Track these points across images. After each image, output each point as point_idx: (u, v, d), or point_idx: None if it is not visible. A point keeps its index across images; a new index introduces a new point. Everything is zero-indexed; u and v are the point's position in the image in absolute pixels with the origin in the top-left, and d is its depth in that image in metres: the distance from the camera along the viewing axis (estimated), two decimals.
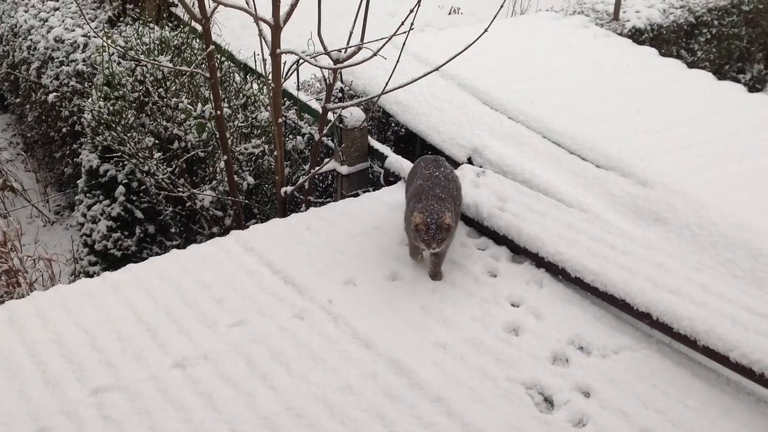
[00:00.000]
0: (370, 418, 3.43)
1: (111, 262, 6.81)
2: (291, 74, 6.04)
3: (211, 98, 6.00)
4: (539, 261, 4.52)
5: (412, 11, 5.01)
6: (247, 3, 5.04)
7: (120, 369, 3.78)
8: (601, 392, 3.54)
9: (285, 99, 6.90)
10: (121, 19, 9.44)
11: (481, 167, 5.76)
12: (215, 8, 5.31)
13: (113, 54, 6.93)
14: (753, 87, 9.91)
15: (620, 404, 3.47)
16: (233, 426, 3.42)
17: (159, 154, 6.86)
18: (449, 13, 11.67)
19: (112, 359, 3.85)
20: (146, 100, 6.96)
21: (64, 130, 8.64)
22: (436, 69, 5.46)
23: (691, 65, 8.47)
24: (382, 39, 5.20)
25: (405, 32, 5.05)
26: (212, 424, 3.44)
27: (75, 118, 8.33)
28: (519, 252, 4.69)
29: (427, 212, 4.09)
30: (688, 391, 3.54)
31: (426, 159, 4.78)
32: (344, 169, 6.50)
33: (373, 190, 5.90)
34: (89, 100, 6.94)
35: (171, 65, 6.52)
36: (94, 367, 3.80)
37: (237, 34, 9.47)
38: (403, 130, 7.24)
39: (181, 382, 3.71)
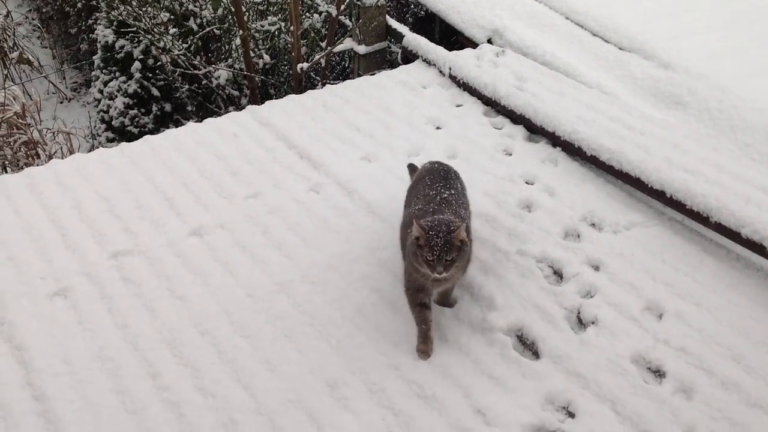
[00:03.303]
0: (385, 287, 3.49)
1: (128, 139, 6.83)
2: None
3: None
4: (555, 140, 4.50)
5: None
6: None
7: (138, 235, 3.86)
8: (610, 266, 3.59)
9: None
10: None
11: (501, 49, 5.67)
12: None
13: None
14: None
15: (629, 277, 3.51)
16: (249, 291, 3.50)
17: (174, 30, 6.77)
18: None
19: (131, 226, 3.92)
20: None
21: (79, 5, 8.52)
22: None
23: None
24: None
25: None
26: (229, 289, 3.52)
27: None
28: (535, 131, 4.67)
29: (434, 222, 2.92)
30: (697, 266, 3.58)
31: (432, 170, 3.52)
32: (362, 49, 6.41)
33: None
34: None
35: None
36: (113, 232, 3.88)
37: None
38: (422, 12, 7.09)
39: (199, 249, 3.78)
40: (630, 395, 2.93)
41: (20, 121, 6.28)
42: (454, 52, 5.50)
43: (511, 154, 4.52)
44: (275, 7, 6.87)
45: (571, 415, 2.90)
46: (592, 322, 3.29)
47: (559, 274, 3.60)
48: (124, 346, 3.21)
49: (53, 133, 6.88)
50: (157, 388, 3.01)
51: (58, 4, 9.06)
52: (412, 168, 3.98)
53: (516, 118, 4.78)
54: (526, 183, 4.25)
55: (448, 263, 2.86)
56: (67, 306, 3.42)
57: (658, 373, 3.06)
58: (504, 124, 4.82)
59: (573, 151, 4.41)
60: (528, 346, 3.22)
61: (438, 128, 4.81)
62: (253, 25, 6.78)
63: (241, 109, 5.18)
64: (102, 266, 3.65)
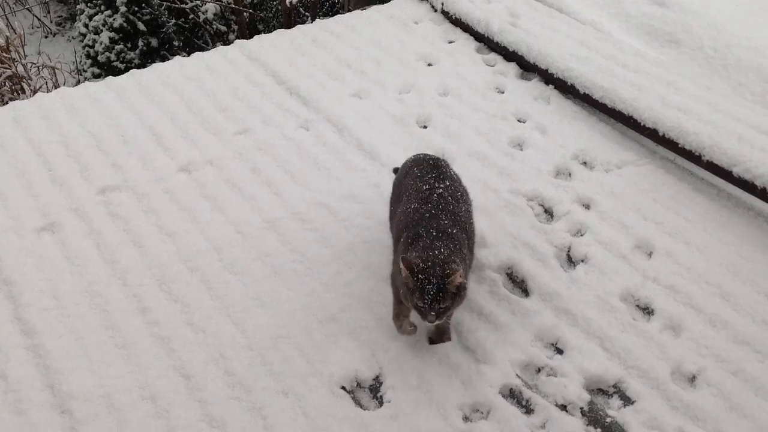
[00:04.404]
0: (374, 224, 3.47)
1: (114, 74, 6.73)
2: None
3: None
4: (548, 77, 4.45)
5: None
6: None
7: (126, 170, 3.82)
8: (601, 205, 3.58)
9: None
10: None
11: None
12: None
13: None
14: None
15: (619, 216, 3.51)
16: (239, 228, 3.48)
17: None
18: None
19: (118, 161, 3.88)
20: None
21: None
22: None
23: None
24: None
25: None
26: (218, 226, 3.50)
27: None
28: (528, 68, 4.61)
29: (425, 263, 2.52)
30: (688, 205, 3.58)
31: (421, 162, 3.10)
32: None
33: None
34: None
35: None
36: (100, 167, 3.83)
37: None
38: None
39: (187, 186, 3.74)
40: (618, 332, 2.95)
41: (4, 54, 6.16)
42: None
43: (503, 92, 4.47)
44: None
45: (560, 351, 2.92)
46: (582, 260, 3.30)
47: (549, 213, 3.59)
48: (112, 281, 3.20)
49: (38, 67, 6.76)
50: (147, 324, 3.01)
51: None
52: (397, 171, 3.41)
53: (509, 54, 4.72)
54: (518, 121, 4.21)
55: (442, 311, 2.53)
56: (54, 241, 3.40)
57: (647, 311, 3.08)
58: (496, 61, 4.76)
59: (566, 88, 4.37)
60: (518, 284, 3.23)
61: (429, 65, 4.75)
62: None
63: (228, 45, 5.09)
64: (89, 201, 3.62)
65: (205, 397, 2.73)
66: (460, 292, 2.54)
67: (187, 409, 2.69)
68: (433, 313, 2.52)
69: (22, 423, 2.65)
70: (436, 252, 2.56)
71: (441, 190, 2.88)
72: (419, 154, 3.21)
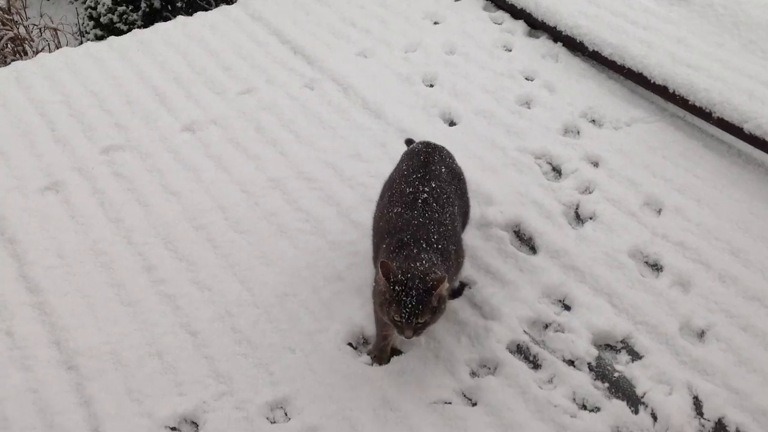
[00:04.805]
0: (380, 183, 3.43)
1: (118, 36, 6.67)
2: None
3: None
4: (557, 35, 4.39)
5: None
6: None
7: (130, 130, 3.79)
8: (610, 162, 3.54)
9: None
10: None
11: None
12: None
13: None
14: None
15: (628, 173, 3.47)
16: (244, 187, 3.46)
17: None
18: None
19: (121, 121, 3.85)
20: None
21: None
22: None
23: None
24: None
25: None
26: (223, 185, 3.47)
27: None
28: (536, 26, 4.54)
29: (405, 273, 2.33)
30: (698, 162, 3.54)
31: (412, 157, 2.85)
32: None
33: None
34: None
35: None
36: (103, 127, 3.80)
37: None
38: None
39: (191, 145, 3.72)
40: (627, 288, 2.93)
41: (6, 16, 6.10)
42: None
43: (510, 50, 4.41)
44: None
45: (567, 308, 2.91)
46: (590, 218, 3.27)
47: (557, 170, 3.56)
48: (117, 240, 3.18)
49: (40, 29, 6.70)
50: (153, 282, 3.00)
51: None
52: (409, 143, 3.27)
53: (516, 12, 4.65)
54: (526, 79, 4.16)
55: (420, 326, 2.36)
56: (59, 200, 3.38)
57: (656, 267, 3.06)
58: (504, 19, 4.69)
59: (574, 46, 4.31)
60: (525, 241, 3.21)
61: (435, 23, 4.68)
62: None
63: (231, 4, 5.03)
64: (93, 161, 3.59)
65: (211, 353, 2.73)
66: (440, 306, 2.37)
67: (193, 365, 2.69)
68: (410, 329, 2.34)
69: (28, 379, 2.65)
70: (418, 264, 2.37)
71: (426, 195, 2.63)
72: (418, 145, 2.95)
